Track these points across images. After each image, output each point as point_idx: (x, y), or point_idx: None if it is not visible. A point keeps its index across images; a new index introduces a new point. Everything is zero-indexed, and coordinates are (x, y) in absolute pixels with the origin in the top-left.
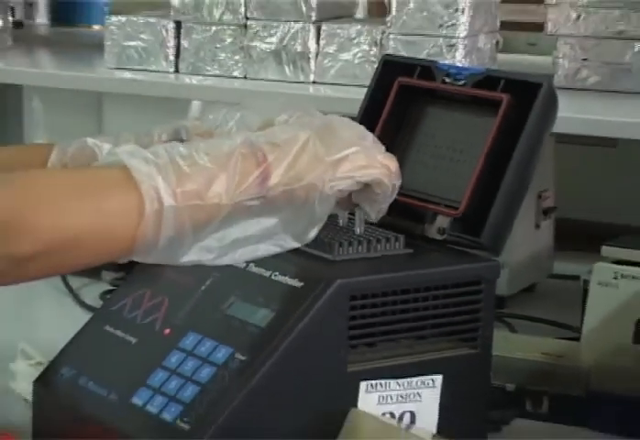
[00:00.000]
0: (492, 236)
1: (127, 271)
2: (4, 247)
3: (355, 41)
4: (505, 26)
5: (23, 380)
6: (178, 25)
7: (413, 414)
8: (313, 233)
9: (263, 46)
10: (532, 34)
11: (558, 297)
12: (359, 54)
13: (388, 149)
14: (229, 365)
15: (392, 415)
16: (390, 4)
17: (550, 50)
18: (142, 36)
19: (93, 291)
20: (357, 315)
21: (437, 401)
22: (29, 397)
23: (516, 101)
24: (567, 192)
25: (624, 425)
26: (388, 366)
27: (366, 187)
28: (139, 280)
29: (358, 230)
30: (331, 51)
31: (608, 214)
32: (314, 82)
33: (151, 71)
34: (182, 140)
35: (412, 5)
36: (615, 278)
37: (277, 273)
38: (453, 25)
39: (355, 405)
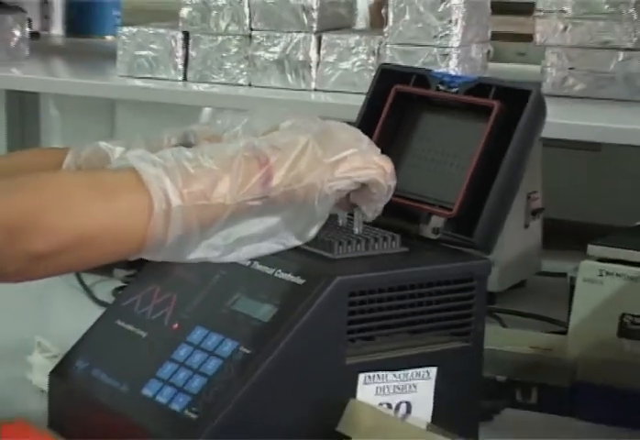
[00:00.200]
0: (484, 236)
1: (138, 269)
2: (20, 246)
3: (354, 51)
4: (496, 36)
5: (39, 372)
6: (186, 35)
7: (408, 405)
8: (313, 231)
9: (267, 55)
10: (521, 44)
11: (546, 293)
12: (358, 63)
13: (385, 153)
14: (234, 358)
15: (389, 406)
16: (387, 15)
17: (539, 60)
18: (152, 46)
19: (105, 288)
20: (355, 311)
21: (432, 391)
22: (45, 388)
23: (507, 107)
24: (554, 194)
25: (608, 414)
26: (385, 358)
27: (363, 187)
28: (149, 277)
29: (356, 230)
30: (331, 60)
31: (593, 214)
32: (315, 90)
33: (161, 79)
34: (190, 144)
35: (407, 17)
36: (600, 275)
37: (280, 271)
38: (446, 35)
39: (354, 396)
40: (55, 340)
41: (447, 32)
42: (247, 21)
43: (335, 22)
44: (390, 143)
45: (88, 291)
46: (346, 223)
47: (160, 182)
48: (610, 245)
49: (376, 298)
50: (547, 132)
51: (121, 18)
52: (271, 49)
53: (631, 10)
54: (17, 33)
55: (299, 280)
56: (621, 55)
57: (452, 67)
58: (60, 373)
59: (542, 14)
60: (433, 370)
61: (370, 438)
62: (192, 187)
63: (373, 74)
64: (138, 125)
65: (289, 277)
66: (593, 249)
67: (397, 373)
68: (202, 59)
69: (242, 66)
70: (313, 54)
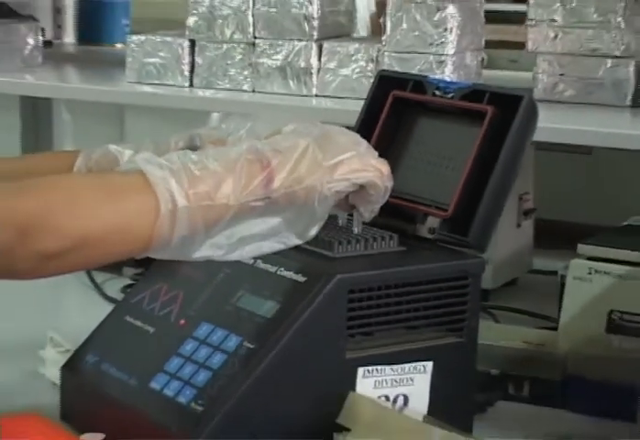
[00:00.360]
0: (478, 235)
1: (146, 267)
2: (31, 245)
3: (353, 58)
4: (489, 44)
5: (52, 366)
6: (192, 43)
7: (406, 397)
8: (313, 231)
9: (270, 62)
10: (513, 52)
11: (538, 290)
12: (357, 70)
13: (383, 156)
14: (239, 352)
15: (387, 398)
16: (385, 24)
17: (530, 66)
18: (160, 53)
19: (115, 285)
20: (355, 307)
21: (428, 385)
22: (57, 381)
23: (500, 112)
24: (545, 195)
25: (598, 407)
26: (383, 353)
27: (361, 189)
28: (157, 275)
29: (355, 230)
30: (331, 67)
31: (583, 215)
32: (316, 96)
33: (168, 86)
34: (196, 147)
35: (405, 26)
36: (590, 273)
37: (282, 269)
38: (442, 43)
39: (353, 389)
40: (67, 335)
41: (443, 40)
42: (250, 30)
43: (335, 30)
44: (388, 146)
45: (98, 288)
46: (345, 223)
47: (167, 184)
48: (599, 244)
49: (374, 295)
50: (539, 136)
51: (130, 27)
52: (274, 57)
53: (619, 19)
54: (31, 41)
55: (300, 278)
56: (609, 62)
57: (447, 73)
58: (71, 367)
59: (533, 23)
60: (429, 364)
61: (369, 430)
62: (197, 188)
63: (372, 80)
64: (147, 129)
65: (291, 275)
66: (583, 248)
67: (395, 367)
68: (207, 66)
69: (246, 73)
70: (314, 61)
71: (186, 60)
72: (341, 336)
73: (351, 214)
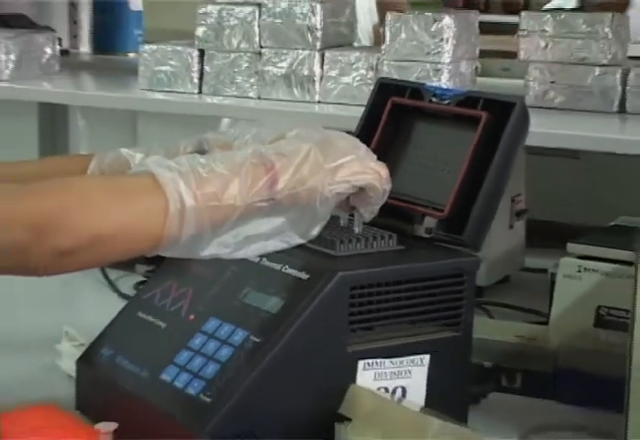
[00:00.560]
0: (473, 235)
1: (158, 265)
2: (46, 243)
3: (354, 66)
4: (483, 53)
5: (67, 359)
6: (201, 52)
7: (404, 389)
8: (315, 231)
9: (275, 70)
10: (506, 60)
11: (529, 287)
12: (358, 77)
13: (382, 159)
14: (245, 346)
15: (386, 390)
16: (384, 34)
17: (522, 75)
18: (171, 62)
19: (128, 282)
20: (356, 303)
21: (425, 377)
22: (73, 374)
23: (493, 118)
24: (536, 197)
25: (586, 397)
26: (383, 347)
27: (360, 191)
28: (168, 272)
29: (356, 229)
30: (333, 75)
31: (572, 215)
32: (318, 102)
33: (178, 93)
34: (204, 151)
35: (403, 36)
36: (579, 271)
37: (286, 266)
38: (438, 52)
39: (354, 381)
40: (82, 330)
41: (439, 49)
42: (256, 39)
43: (336, 40)
44: (387, 150)
45: (112, 284)
46: (346, 223)
47: (176, 185)
48: (587, 243)
49: (375, 291)
50: (531, 140)
51: (142, 37)
52: (279, 65)
53: (606, 30)
54: (49, 51)
55: (304, 276)
56: (597, 70)
57: (444, 81)
58: (86, 360)
59: (525, 33)
60: (426, 357)
61: (369, 420)
62: (204, 189)
63: (372, 88)
64: (158, 134)
65: (295, 272)
66: (572, 247)
67: (394, 360)
68: (215, 73)
69: (252, 80)
70: (317, 69)
71: (195, 68)
72: (343, 331)
73: (352, 215)
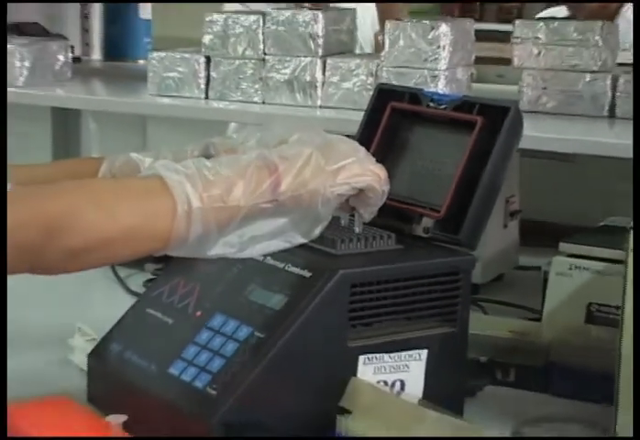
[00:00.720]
0: (469, 234)
1: (166, 263)
2: (58, 243)
3: (354, 73)
4: (479, 60)
5: (80, 354)
6: (208, 59)
7: (402, 383)
8: (317, 231)
9: (278, 76)
10: (501, 67)
11: (523, 285)
12: (358, 83)
13: (382, 162)
14: (250, 341)
15: (386, 383)
16: (383, 42)
17: (516, 81)
18: (178, 68)
19: (137, 280)
20: (356, 300)
21: (423, 371)
22: (85, 367)
23: (488, 122)
24: (529, 198)
25: (577, 391)
26: (382, 342)
27: (360, 192)
28: (175, 270)
29: (357, 229)
30: (334, 81)
31: (564, 216)
32: (320, 107)
33: (186, 98)
34: (210, 155)
35: (401, 43)
36: (570, 269)
37: (289, 265)
38: (435, 59)
39: (354, 375)
40: (93, 325)
41: (436, 56)
42: (261, 47)
43: (338, 47)
44: (386, 153)
45: (122, 282)
46: (347, 223)
47: (183, 188)
48: (578, 243)
49: (374, 289)
50: (524, 144)
51: (151, 45)
52: (282, 71)
53: (596, 38)
54: (61, 58)
55: (306, 274)
56: (588, 77)
57: (440, 87)
58: (97, 354)
59: (519, 40)
60: (424, 352)
61: (369, 412)
62: (210, 191)
63: (372, 93)
64: (166, 137)
65: (297, 270)
66: (564, 246)
67: (392, 355)
68: (221, 79)
69: (257, 86)
70: (318, 75)
71: (202, 74)
72: (344, 327)
73: (352, 215)
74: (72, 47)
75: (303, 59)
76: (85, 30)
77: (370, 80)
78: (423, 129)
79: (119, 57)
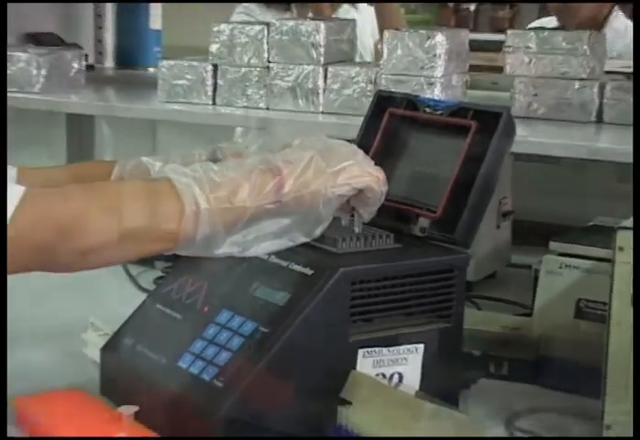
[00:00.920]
0: (463, 234)
1: (175, 262)
2: (71, 243)
3: (354, 80)
4: (473, 68)
5: (93, 348)
6: (215, 67)
7: (400, 375)
8: (319, 230)
9: (282, 84)
10: (494, 75)
11: (515, 282)
12: (358, 90)
13: (381, 164)
14: (255, 336)
15: (384, 376)
16: (382, 50)
17: (508, 88)
18: (187, 76)
19: (148, 277)
20: (356, 297)
21: (420, 364)
22: (98, 361)
23: (482, 127)
24: (521, 199)
25: (566, 383)
26: (381, 336)
27: (360, 193)
28: (184, 268)
29: (357, 229)
30: (335, 88)
31: (554, 216)
32: (322, 112)
33: (194, 104)
34: (217, 159)
35: (399, 52)
36: (560, 267)
37: (293, 263)
38: (432, 67)
39: (354, 368)
40: (106, 321)
41: (433, 64)
42: (265, 55)
43: (338, 56)
44: (385, 156)
45: (133, 279)
46: (347, 223)
47: (191, 190)
48: (568, 242)
49: (373, 286)
50: (516, 148)
51: (161, 53)
52: (286, 79)
53: (585, 47)
54: (76, 66)
55: (309, 271)
56: (576, 84)
57: (437, 93)
58: (109, 348)
59: (511, 49)
60: (420, 346)
61: (369, 403)
62: (217, 193)
63: (371, 99)
64: (175, 141)
65: (300, 268)
66: (554, 245)
67: (391, 349)
68: (228, 86)
69: (261, 92)
70: (320, 83)
71: (209, 81)
72: (344, 322)
73: (352, 216)
74: (86, 55)
75: (305, 67)
76: (99, 40)
77: (370, 87)
78: (419, 134)
79: (131, 65)
